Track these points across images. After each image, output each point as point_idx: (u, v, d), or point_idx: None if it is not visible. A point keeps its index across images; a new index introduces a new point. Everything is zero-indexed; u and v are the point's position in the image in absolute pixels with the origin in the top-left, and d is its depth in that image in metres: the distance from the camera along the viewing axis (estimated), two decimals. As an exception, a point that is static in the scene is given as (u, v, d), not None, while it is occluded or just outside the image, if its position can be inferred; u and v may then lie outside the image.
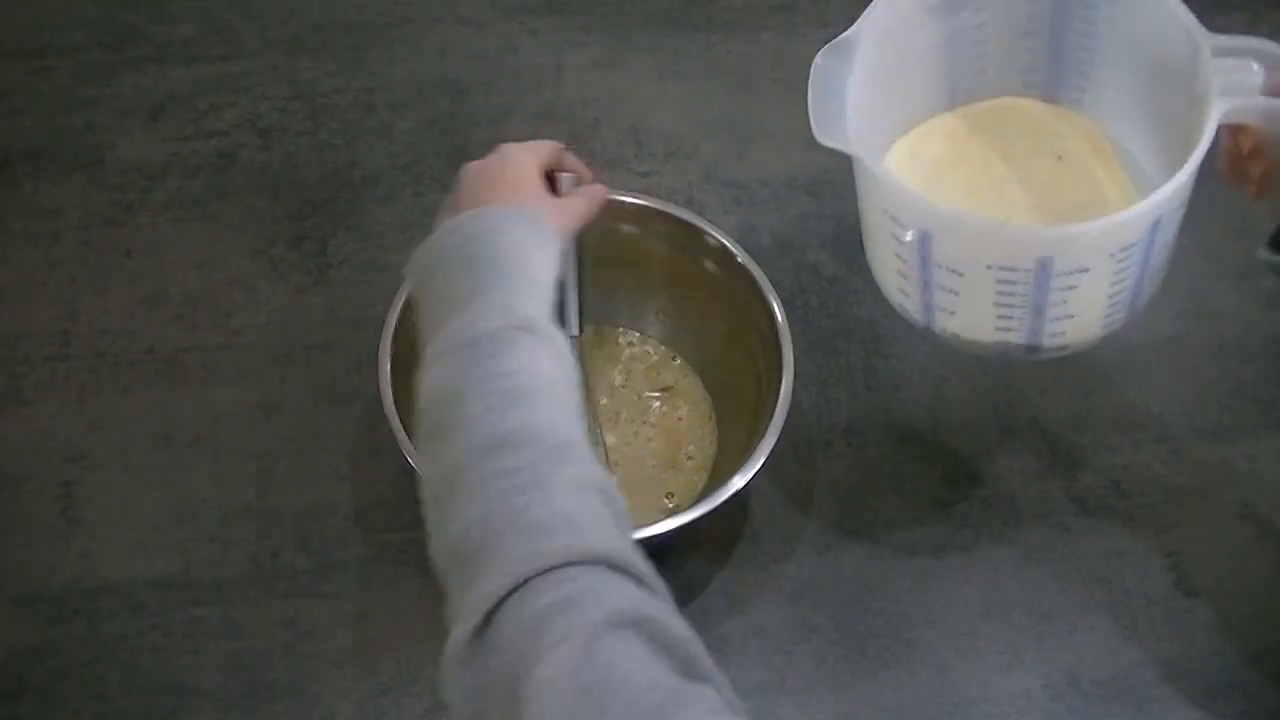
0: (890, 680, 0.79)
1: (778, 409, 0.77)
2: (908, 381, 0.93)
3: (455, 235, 0.65)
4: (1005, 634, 0.81)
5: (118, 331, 0.93)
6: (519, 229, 0.65)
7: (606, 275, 0.91)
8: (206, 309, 0.95)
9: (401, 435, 0.75)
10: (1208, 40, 0.66)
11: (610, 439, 0.86)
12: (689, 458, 0.86)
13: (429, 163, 1.04)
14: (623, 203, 0.87)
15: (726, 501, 0.74)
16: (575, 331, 0.80)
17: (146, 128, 1.06)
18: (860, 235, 0.75)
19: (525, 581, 0.48)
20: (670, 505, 0.84)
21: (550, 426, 0.55)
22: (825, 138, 0.66)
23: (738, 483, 0.74)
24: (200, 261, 0.98)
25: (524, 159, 0.72)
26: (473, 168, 0.71)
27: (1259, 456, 0.90)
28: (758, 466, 0.75)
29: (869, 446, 0.90)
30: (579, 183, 0.77)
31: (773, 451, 0.76)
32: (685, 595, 0.82)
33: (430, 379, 0.59)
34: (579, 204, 0.74)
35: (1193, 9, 1.26)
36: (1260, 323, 0.96)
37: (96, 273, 0.97)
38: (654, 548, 0.79)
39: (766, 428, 0.77)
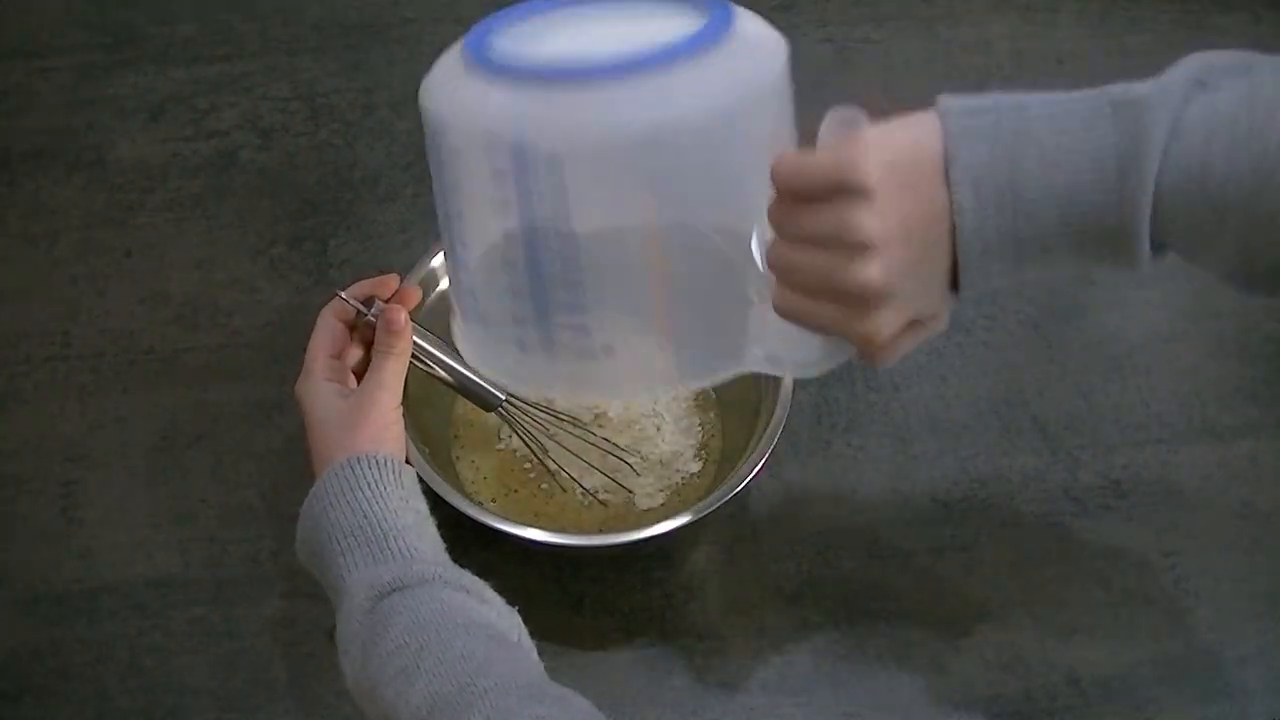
0: (890, 680, 0.79)
1: (778, 409, 0.77)
2: (908, 381, 0.93)
3: (303, 528, 0.67)
4: (1005, 634, 0.81)
5: (118, 331, 0.93)
6: (338, 502, 0.65)
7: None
8: (206, 309, 0.95)
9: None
10: None
11: (623, 440, 0.86)
12: (703, 448, 0.86)
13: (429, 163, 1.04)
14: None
15: (727, 502, 0.74)
16: (499, 401, 0.79)
17: (146, 128, 1.06)
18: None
19: None
20: (676, 497, 0.84)
21: (470, 668, 0.57)
22: None
23: (738, 483, 0.74)
24: (200, 261, 0.98)
25: (308, 391, 0.70)
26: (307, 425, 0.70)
27: (1259, 456, 0.90)
28: (758, 467, 0.75)
29: (869, 446, 0.90)
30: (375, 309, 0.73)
31: (773, 451, 0.76)
32: (685, 595, 0.82)
33: (344, 669, 0.62)
34: (382, 375, 0.70)
35: (1193, 9, 1.27)
36: (1260, 323, 0.96)
37: (96, 273, 0.97)
38: (654, 548, 0.79)
39: (766, 428, 0.77)
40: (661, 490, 0.84)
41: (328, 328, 0.72)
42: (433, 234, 0.87)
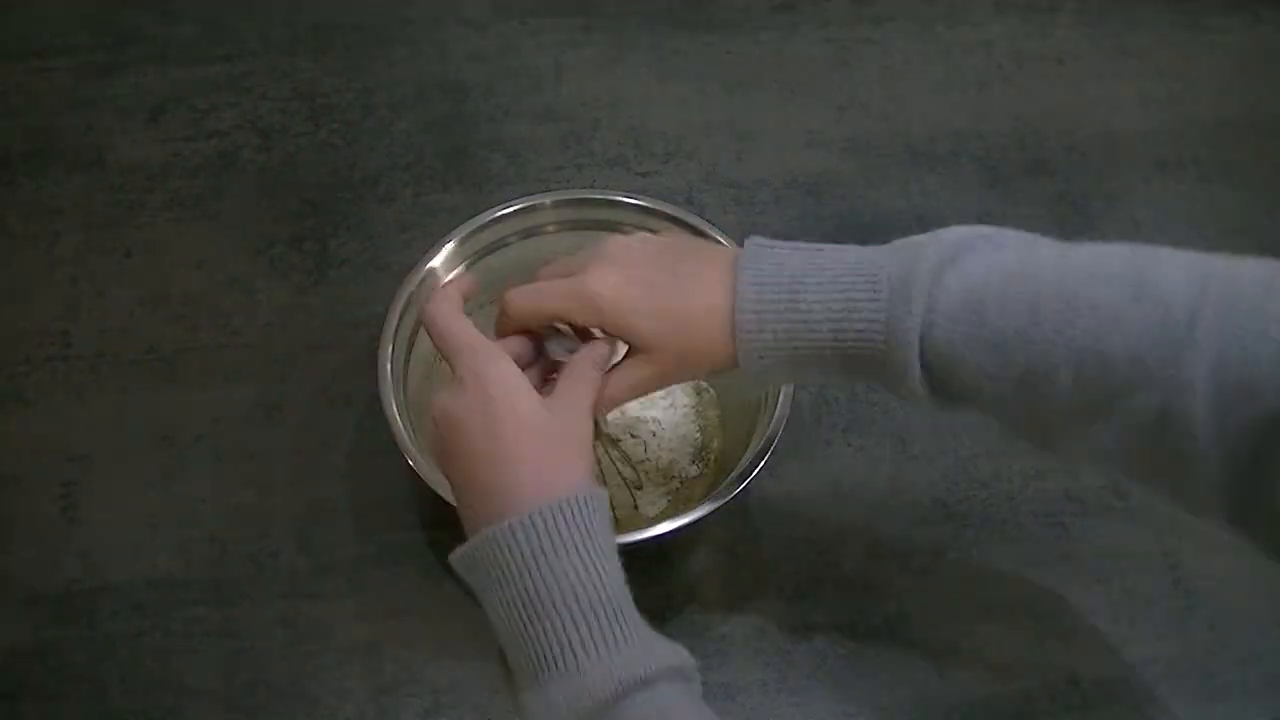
0: (890, 680, 0.79)
1: (778, 409, 0.77)
2: (908, 381, 0.93)
3: (499, 548, 0.58)
4: (1005, 634, 0.81)
5: (118, 331, 0.93)
6: (569, 551, 0.57)
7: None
8: (206, 309, 0.95)
9: (401, 435, 0.75)
10: None
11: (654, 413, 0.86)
12: (703, 450, 0.86)
13: (429, 163, 1.04)
14: (623, 203, 0.87)
15: (727, 502, 0.74)
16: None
17: (146, 128, 1.06)
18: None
19: None
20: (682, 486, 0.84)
21: None
22: None
23: (738, 483, 0.74)
24: (200, 261, 0.98)
25: (498, 371, 0.61)
26: (451, 415, 0.61)
27: (1259, 456, 0.90)
28: (758, 467, 0.75)
29: (869, 446, 0.90)
30: (570, 343, 0.67)
31: (773, 451, 0.76)
32: (685, 595, 0.82)
33: None
34: (582, 398, 0.63)
35: (1193, 9, 1.27)
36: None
37: (96, 273, 0.97)
38: (655, 548, 0.79)
39: (766, 428, 0.77)
40: (664, 496, 0.84)
41: (518, 329, 0.67)
42: (433, 234, 0.87)
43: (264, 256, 0.98)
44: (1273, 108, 1.13)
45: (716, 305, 0.62)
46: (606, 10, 1.17)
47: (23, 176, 1.02)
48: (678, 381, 0.68)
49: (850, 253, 0.62)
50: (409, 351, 0.82)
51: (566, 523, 0.58)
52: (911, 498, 0.87)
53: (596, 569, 0.58)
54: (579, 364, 0.65)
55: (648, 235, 0.68)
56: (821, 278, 0.61)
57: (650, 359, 0.64)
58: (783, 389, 0.78)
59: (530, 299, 0.66)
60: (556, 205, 0.87)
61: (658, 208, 0.87)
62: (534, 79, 1.11)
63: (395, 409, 0.76)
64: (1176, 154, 1.09)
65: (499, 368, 0.62)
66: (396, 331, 0.80)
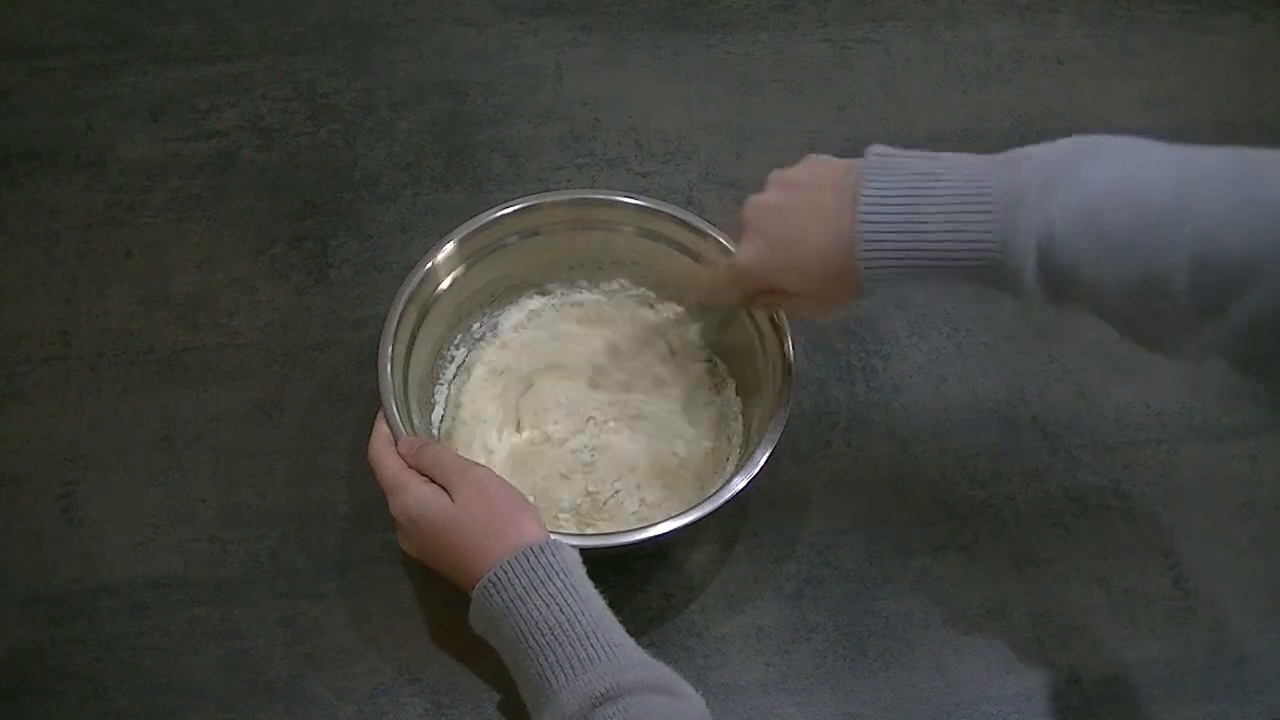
0: (890, 680, 0.79)
1: (778, 409, 0.77)
2: (908, 381, 0.93)
3: (484, 613, 0.67)
4: (1005, 634, 0.81)
5: (118, 331, 0.93)
6: (530, 595, 0.65)
7: (606, 274, 0.91)
8: (206, 309, 0.95)
9: (402, 435, 0.75)
10: None
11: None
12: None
13: (429, 163, 1.04)
14: (623, 203, 0.87)
15: (727, 502, 0.74)
16: None
17: (146, 128, 1.06)
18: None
19: None
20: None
21: None
22: None
23: (738, 483, 0.74)
24: (200, 261, 0.98)
25: (418, 501, 0.71)
26: (406, 534, 0.73)
27: (1259, 456, 0.90)
28: (758, 467, 0.75)
29: (869, 446, 0.90)
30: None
31: (773, 451, 0.76)
32: (685, 595, 0.82)
33: None
34: (479, 470, 0.72)
35: (1193, 9, 1.27)
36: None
37: (96, 273, 0.97)
38: (654, 548, 0.79)
39: (766, 428, 0.77)
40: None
41: (391, 449, 0.74)
42: (433, 234, 0.87)
43: (264, 256, 0.98)
44: (1273, 108, 1.13)
45: (843, 227, 0.66)
46: (607, 10, 1.17)
47: (23, 176, 1.02)
48: (841, 303, 0.73)
49: (963, 164, 0.65)
50: (409, 351, 0.82)
51: (522, 571, 0.65)
52: (911, 498, 0.87)
53: (558, 603, 0.64)
54: (429, 449, 0.73)
55: (779, 178, 0.72)
56: (937, 190, 0.64)
57: (803, 300, 0.73)
58: (783, 389, 0.78)
59: (708, 290, 0.80)
60: (557, 205, 0.87)
61: (658, 208, 0.87)
62: (534, 79, 1.11)
63: (395, 409, 0.76)
64: (1176, 154, 1.09)
65: (408, 499, 0.71)
66: (396, 331, 0.80)
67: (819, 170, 0.71)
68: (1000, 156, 0.64)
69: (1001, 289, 0.64)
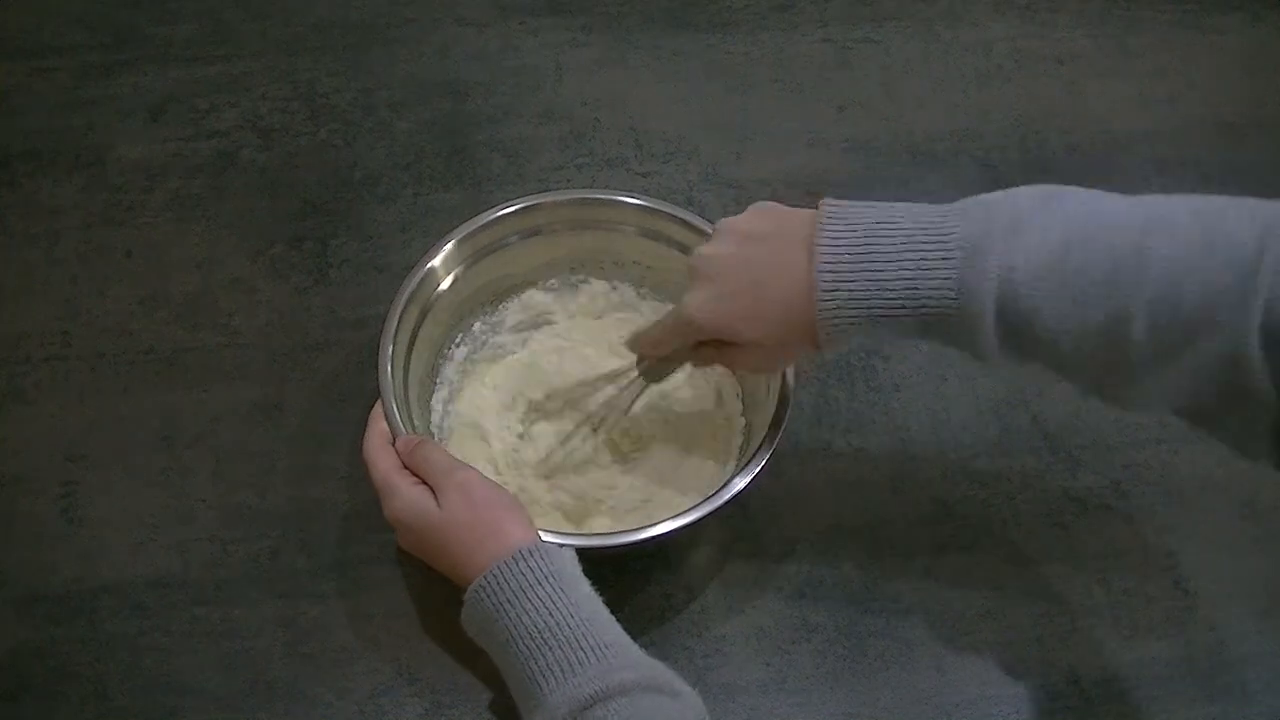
0: (890, 680, 0.79)
1: (778, 409, 0.77)
2: (908, 381, 0.93)
3: (474, 618, 0.68)
4: (1005, 634, 0.81)
5: (118, 331, 0.93)
6: (518, 600, 0.65)
7: (607, 274, 0.91)
8: (206, 309, 0.95)
9: (401, 432, 0.75)
10: None
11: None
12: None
13: (429, 163, 1.04)
14: (623, 202, 0.87)
15: (727, 502, 0.74)
16: None
17: (146, 128, 1.06)
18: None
19: None
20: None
21: None
22: None
23: (738, 483, 0.74)
24: (200, 261, 0.98)
25: (410, 505, 0.71)
26: (401, 537, 0.73)
27: (1259, 456, 0.90)
28: (759, 467, 0.75)
29: (869, 446, 0.90)
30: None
31: (773, 451, 0.76)
32: (685, 595, 0.82)
33: None
34: (469, 473, 0.72)
35: (1192, 9, 1.27)
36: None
37: (96, 273, 0.97)
38: (654, 548, 0.79)
39: (767, 428, 0.77)
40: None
41: (386, 449, 0.74)
42: (433, 234, 0.87)
43: (264, 256, 0.98)
44: (1273, 108, 1.13)
45: (799, 277, 0.65)
46: (606, 10, 1.17)
47: (23, 177, 1.02)
48: (791, 358, 0.75)
49: (921, 212, 0.64)
50: (409, 351, 0.82)
51: (507, 579, 0.66)
52: (911, 498, 0.87)
53: (546, 608, 0.64)
54: (421, 449, 0.73)
55: (730, 228, 0.70)
56: (894, 237, 0.63)
57: (754, 350, 0.71)
58: (783, 389, 0.78)
59: (652, 342, 0.76)
60: (557, 205, 0.87)
61: (659, 207, 0.87)
62: (534, 79, 1.11)
63: (395, 409, 0.76)
64: (1176, 154, 1.09)
65: (398, 503, 0.71)
66: (396, 331, 0.80)
67: (771, 219, 0.69)
68: (956, 205, 0.64)
69: (957, 341, 0.64)
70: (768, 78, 1.12)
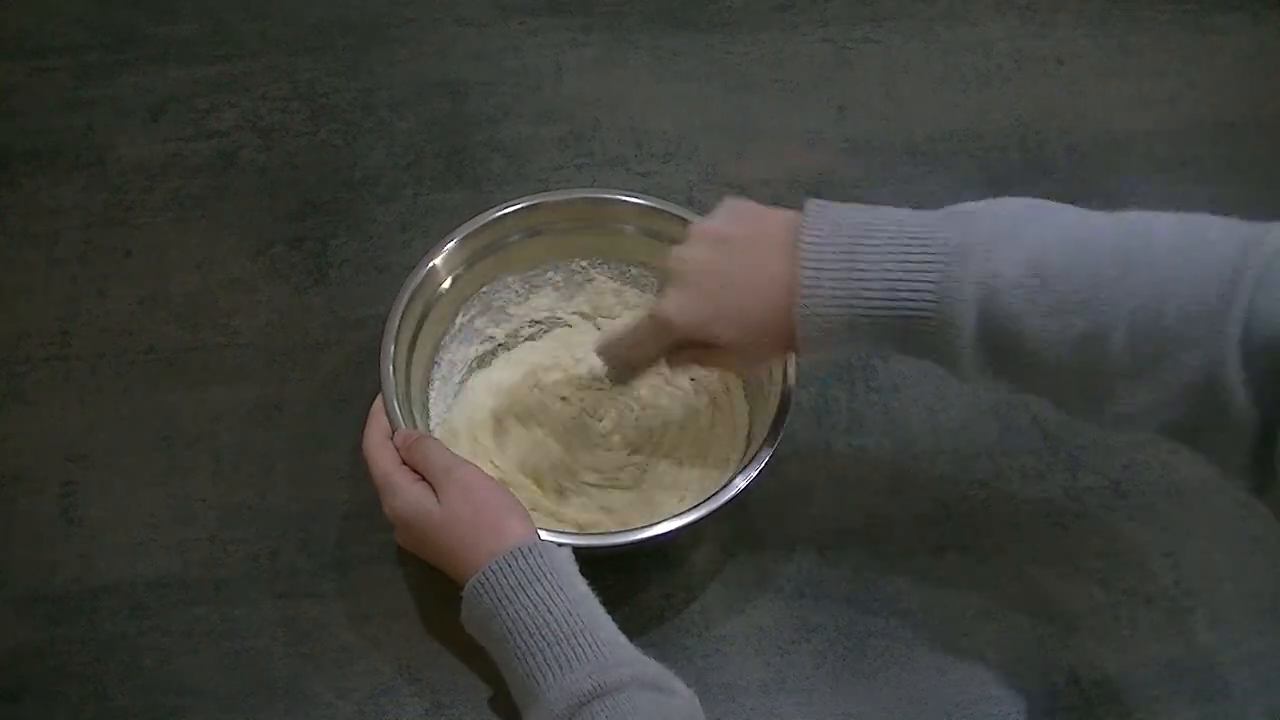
0: (890, 680, 0.79)
1: (779, 409, 0.77)
2: (908, 381, 0.93)
3: (474, 615, 0.68)
4: (1005, 634, 0.81)
5: (118, 331, 0.93)
6: (516, 596, 0.65)
7: (609, 273, 0.91)
8: (206, 309, 0.95)
9: (400, 427, 0.75)
10: None
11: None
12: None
13: (429, 163, 1.04)
14: (624, 202, 0.87)
15: (727, 502, 0.74)
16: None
17: (146, 128, 1.06)
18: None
19: None
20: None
21: None
22: None
23: (738, 483, 0.74)
24: (200, 261, 0.98)
25: (411, 503, 0.71)
26: (400, 533, 0.73)
27: (1259, 456, 0.90)
28: (759, 467, 0.75)
29: (869, 446, 0.90)
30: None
31: (773, 451, 0.76)
32: (685, 595, 0.82)
33: None
34: (468, 469, 0.72)
35: (1192, 9, 1.27)
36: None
37: (96, 273, 0.97)
38: (654, 548, 0.79)
39: (767, 428, 0.77)
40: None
41: (386, 446, 0.74)
42: (433, 234, 0.87)
43: (264, 256, 0.98)
44: (1273, 108, 1.13)
45: (779, 277, 0.65)
46: (606, 10, 1.17)
47: (23, 177, 1.02)
48: (766, 361, 0.75)
49: (906, 217, 0.64)
50: (411, 349, 0.82)
51: (505, 575, 0.66)
52: (911, 498, 0.87)
53: (545, 604, 0.65)
54: (421, 445, 0.73)
55: (705, 231, 0.70)
56: (878, 240, 0.63)
57: (732, 353, 0.70)
58: (783, 389, 0.78)
59: (628, 345, 0.76)
60: (559, 204, 0.87)
61: (659, 207, 0.87)
62: (534, 79, 1.11)
63: (396, 405, 0.76)
64: (1176, 154, 1.09)
65: (398, 500, 0.71)
66: (399, 329, 0.80)
67: (748, 221, 0.69)
68: (941, 212, 0.64)
69: (935, 351, 0.63)
70: (768, 78, 1.12)
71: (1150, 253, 0.58)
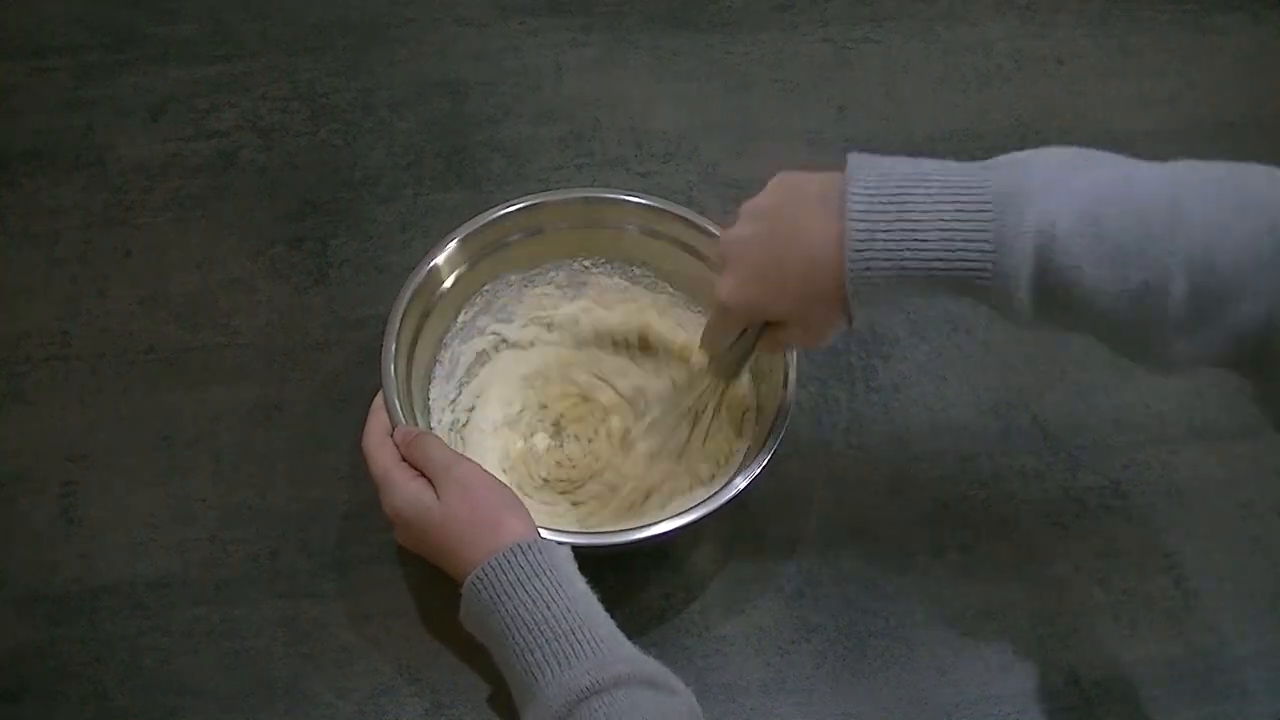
0: (890, 680, 0.79)
1: (779, 409, 0.77)
2: (908, 381, 0.93)
3: (472, 612, 0.68)
4: (1005, 634, 0.81)
5: (118, 331, 0.93)
6: (514, 592, 0.65)
7: (610, 272, 0.91)
8: (206, 309, 0.95)
9: (400, 424, 0.75)
10: None
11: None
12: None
13: (429, 163, 1.04)
14: (625, 201, 0.87)
15: (727, 502, 0.74)
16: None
17: (146, 128, 1.06)
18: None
19: None
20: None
21: None
22: None
23: (738, 483, 0.74)
24: (200, 261, 0.98)
25: (409, 499, 0.71)
26: (400, 530, 0.73)
27: (1259, 456, 0.90)
28: (759, 467, 0.75)
29: (869, 446, 0.90)
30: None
31: (773, 451, 0.76)
32: (685, 595, 0.82)
33: None
34: (467, 466, 0.72)
35: (1192, 9, 1.27)
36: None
37: (96, 273, 0.97)
38: (654, 547, 0.79)
39: (767, 428, 0.77)
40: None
41: (386, 443, 0.74)
42: (433, 234, 0.87)
43: (264, 256, 0.98)
44: (1273, 108, 1.13)
45: (827, 236, 0.63)
46: (606, 10, 1.17)
47: (23, 177, 1.02)
48: (833, 329, 0.70)
49: (952, 167, 0.63)
50: (410, 351, 0.82)
51: (504, 571, 0.66)
52: (911, 498, 0.87)
53: (543, 600, 0.64)
54: (420, 442, 0.73)
55: (749, 208, 0.69)
56: (929, 189, 0.62)
57: (791, 328, 0.70)
58: (784, 389, 0.78)
59: (710, 340, 0.76)
60: (560, 204, 0.87)
61: (663, 206, 0.87)
62: (534, 79, 1.11)
63: (397, 402, 0.76)
64: (1176, 154, 1.09)
65: (397, 498, 0.71)
66: (398, 331, 0.80)
67: (786, 189, 0.68)
68: (989, 162, 0.63)
69: (989, 299, 0.62)
70: (768, 78, 1.12)
71: (1200, 203, 0.57)
